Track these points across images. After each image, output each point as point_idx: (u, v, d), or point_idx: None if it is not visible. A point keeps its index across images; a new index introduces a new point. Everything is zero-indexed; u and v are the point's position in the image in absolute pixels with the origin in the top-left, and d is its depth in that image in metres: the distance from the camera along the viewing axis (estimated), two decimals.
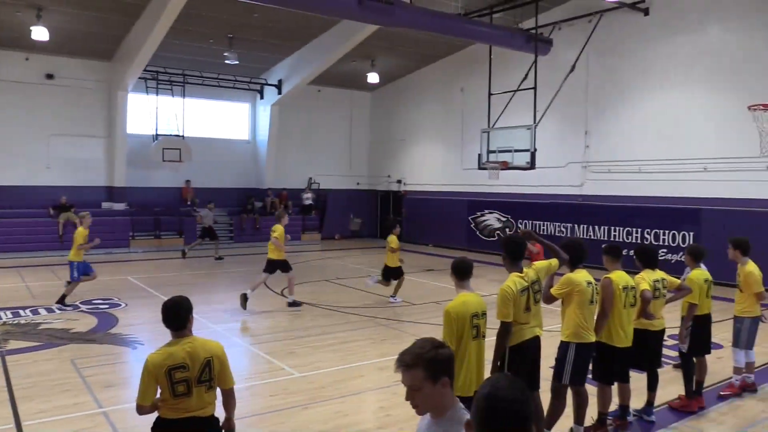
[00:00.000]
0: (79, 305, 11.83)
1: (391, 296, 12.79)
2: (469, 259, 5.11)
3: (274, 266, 12.10)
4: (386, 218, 13.63)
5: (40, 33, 17.04)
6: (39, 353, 8.66)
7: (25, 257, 18.52)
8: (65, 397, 6.89)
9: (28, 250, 19.02)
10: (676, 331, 7.22)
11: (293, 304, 12.07)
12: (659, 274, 6.31)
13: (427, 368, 2.51)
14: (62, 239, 19.68)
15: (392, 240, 12.84)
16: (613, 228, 17.62)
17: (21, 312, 11.23)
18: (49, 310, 11.39)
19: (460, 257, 5.17)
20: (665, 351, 7.04)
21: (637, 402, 6.42)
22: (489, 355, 5.09)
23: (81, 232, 12.06)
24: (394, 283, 12.84)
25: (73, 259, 11.85)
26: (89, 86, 21.34)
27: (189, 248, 19.66)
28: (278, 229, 12.16)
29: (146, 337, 9.66)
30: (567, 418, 5.80)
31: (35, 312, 11.25)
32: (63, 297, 11.76)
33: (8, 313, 11.13)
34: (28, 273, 15.92)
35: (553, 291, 5.69)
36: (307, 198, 25.18)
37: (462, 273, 4.91)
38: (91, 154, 21.63)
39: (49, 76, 20.64)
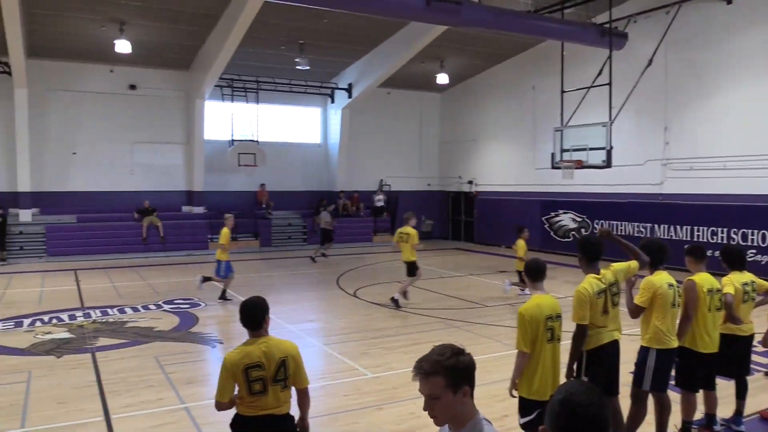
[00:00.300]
0: (163, 305, 12.34)
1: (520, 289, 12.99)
2: (542, 260, 5.00)
3: (412, 268, 12.29)
4: (516, 226, 14.04)
5: (123, 46, 17.91)
6: (126, 350, 9.09)
7: (112, 259, 19.50)
8: (150, 392, 7.19)
9: (114, 252, 20.03)
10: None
11: (394, 301, 12.19)
12: (748, 276, 5.97)
13: (447, 376, 2.37)
14: (146, 241, 20.65)
15: (520, 246, 13.14)
16: (696, 228, 16.83)
17: (109, 311, 11.82)
18: (135, 309, 11.94)
19: (533, 258, 5.07)
20: (756, 357, 6.67)
21: (724, 411, 6.10)
22: (565, 358, 4.97)
23: (225, 233, 12.86)
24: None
25: (220, 258, 12.82)
26: (169, 95, 22.28)
27: (315, 253, 19.91)
28: (412, 232, 12.31)
29: (224, 335, 9.97)
30: (649, 426, 5.58)
31: (122, 311, 11.81)
32: (223, 292, 12.92)
33: (98, 311, 11.74)
34: (115, 274, 16.74)
35: (637, 301, 5.38)
36: (379, 200, 25.34)
37: (535, 274, 4.82)
38: (171, 160, 22.57)
39: (132, 87, 21.68)
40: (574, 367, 5.11)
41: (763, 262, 14.41)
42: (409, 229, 12.31)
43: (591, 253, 5.24)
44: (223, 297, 12.80)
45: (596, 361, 5.09)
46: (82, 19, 17.33)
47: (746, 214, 15.58)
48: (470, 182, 25.73)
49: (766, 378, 7.31)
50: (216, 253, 13.06)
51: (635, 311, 5.39)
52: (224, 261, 12.72)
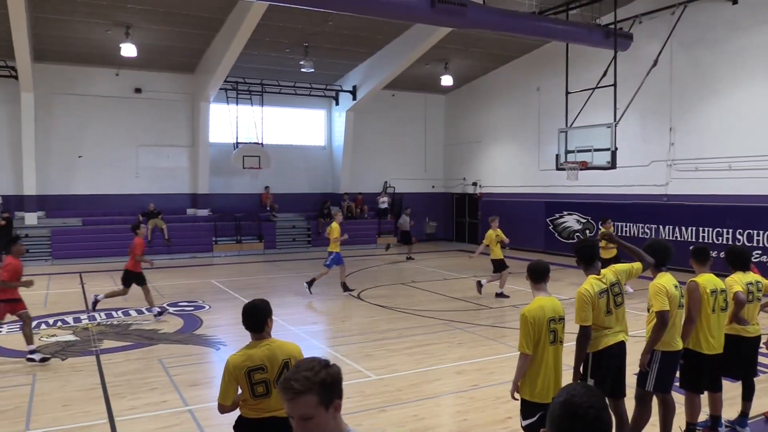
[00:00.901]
0: (167, 308, 12.35)
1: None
2: (544, 261, 4.99)
3: (500, 265, 13.52)
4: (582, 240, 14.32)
5: (128, 50, 17.98)
6: (130, 352, 9.11)
7: (117, 261, 19.51)
8: (154, 394, 7.20)
9: (119, 255, 20.00)
10: None
11: (501, 295, 13.33)
12: (753, 276, 5.94)
13: (319, 393, 2.16)
14: (151, 244, 20.67)
15: (489, 236, 13.71)
16: (701, 229, 16.77)
17: (114, 313, 11.85)
18: (140, 312, 11.96)
19: (536, 260, 5.05)
20: (762, 359, 6.62)
21: (730, 412, 6.07)
22: (568, 360, 4.95)
23: (335, 227, 13.76)
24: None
25: (331, 250, 13.72)
26: (174, 98, 22.34)
27: (408, 254, 20.92)
28: (493, 234, 13.64)
29: (229, 338, 9.98)
30: (653, 427, 5.56)
31: (126, 313, 11.84)
32: (313, 280, 13.80)
33: (102, 314, 11.77)
34: (119, 276, 16.74)
35: (656, 308, 5.15)
36: (383, 202, 25.34)
37: (538, 276, 4.81)
38: (176, 163, 22.64)
39: (137, 90, 21.76)
40: (581, 369, 5.09)
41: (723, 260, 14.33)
42: (498, 232, 13.77)
43: (585, 256, 5.24)
44: (310, 283, 13.74)
45: (602, 363, 5.06)
46: (88, 23, 17.40)
47: (752, 215, 15.51)
48: (474, 184, 25.71)
49: None
50: (329, 246, 13.89)
51: (661, 325, 5.14)
52: (335, 252, 13.65)
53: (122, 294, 11.69)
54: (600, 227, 19.31)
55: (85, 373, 8.03)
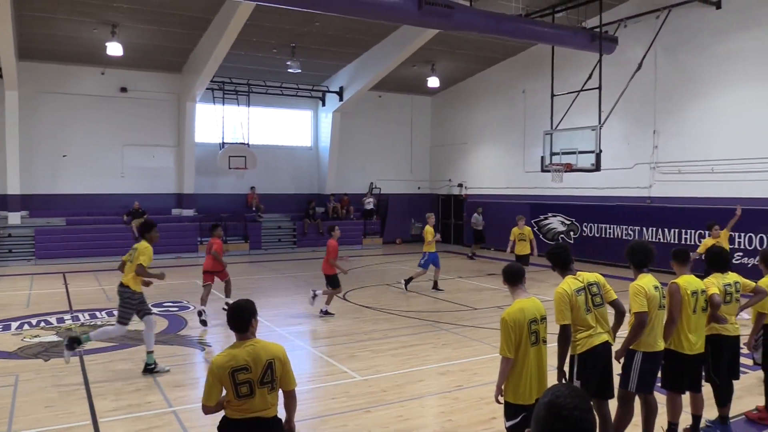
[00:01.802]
0: (151, 308, 12.27)
1: None
2: (517, 263, 5.02)
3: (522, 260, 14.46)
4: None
5: (114, 48, 17.84)
6: (114, 353, 9.06)
7: (100, 261, 19.40)
8: (138, 395, 7.17)
9: (104, 255, 19.92)
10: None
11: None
12: (732, 277, 6.01)
13: None
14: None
15: (428, 231, 14.35)
16: (683, 231, 16.95)
17: (97, 314, 11.77)
18: None
19: (510, 263, 5.08)
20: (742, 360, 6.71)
21: (711, 412, 6.15)
22: (552, 361, 4.99)
23: (429, 230, 14.50)
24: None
25: (426, 250, 14.30)
26: (160, 98, 22.22)
27: (471, 251, 21.51)
28: (517, 231, 15.34)
29: (213, 339, 9.95)
30: (635, 428, 5.63)
31: (110, 314, 11.74)
32: (410, 279, 14.45)
33: (86, 314, 11.69)
34: (103, 277, 16.65)
35: (635, 309, 5.23)
36: (369, 203, 25.36)
37: (513, 278, 4.81)
38: (161, 163, 22.52)
39: (123, 90, 21.62)
40: (566, 369, 5.13)
41: (749, 265, 14.53)
42: (526, 229, 15.45)
43: (560, 261, 5.32)
44: (407, 282, 14.39)
45: (587, 364, 5.10)
46: (74, 21, 17.26)
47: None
48: (460, 185, 25.80)
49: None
50: (424, 247, 14.50)
51: (640, 324, 5.24)
52: (430, 252, 14.20)
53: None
54: (584, 229, 19.47)
55: (68, 374, 7.97)
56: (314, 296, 11.88)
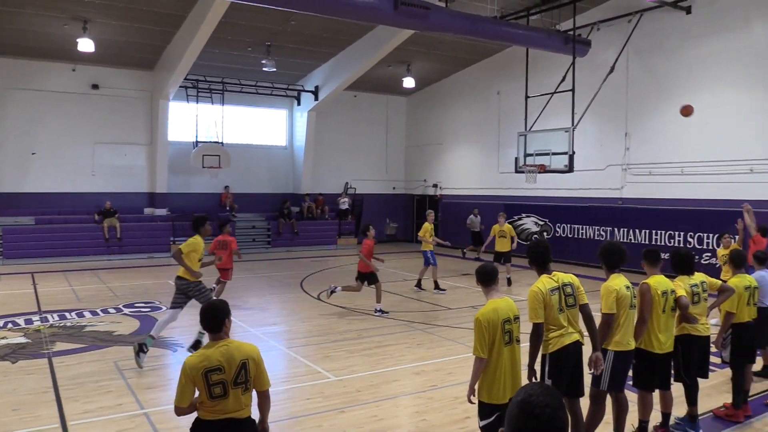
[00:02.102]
0: (123, 308, 12.12)
1: None
2: (491, 264, 5.06)
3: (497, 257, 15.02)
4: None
5: (86, 45, 17.55)
6: (84, 355, 8.90)
7: (71, 262, 19.07)
8: (109, 398, 7.06)
9: (74, 255, 19.59)
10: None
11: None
12: (697, 278, 6.11)
13: None
14: (108, 242, 20.27)
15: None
16: (654, 232, 17.24)
17: (67, 315, 11.56)
18: (94, 313, 11.70)
19: (483, 263, 5.11)
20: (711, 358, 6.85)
21: (680, 410, 6.26)
22: (525, 360, 5.03)
23: (426, 227, 14.59)
24: None
25: (424, 249, 14.48)
26: (132, 95, 21.92)
27: (477, 253, 21.18)
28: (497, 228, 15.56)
29: (186, 339, 9.82)
30: (607, 425, 5.70)
31: (80, 315, 11.57)
32: (435, 282, 14.66)
33: (55, 315, 11.47)
34: (73, 277, 16.38)
35: (604, 309, 5.37)
36: (344, 202, 25.32)
37: (486, 279, 4.83)
38: (133, 161, 22.20)
39: (95, 87, 21.27)
40: (537, 368, 5.17)
41: (717, 266, 14.80)
42: (507, 226, 15.62)
43: (539, 259, 5.35)
44: (437, 287, 14.53)
45: (559, 363, 5.15)
46: (44, 16, 16.93)
47: (702, 219, 16.03)
48: (435, 185, 25.90)
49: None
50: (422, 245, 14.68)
51: (606, 323, 5.36)
52: (429, 251, 14.32)
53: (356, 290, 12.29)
54: (557, 229, 19.67)
55: (37, 376, 7.82)
56: (332, 292, 12.33)
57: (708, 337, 6.13)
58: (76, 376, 7.86)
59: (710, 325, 6.24)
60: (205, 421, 3.96)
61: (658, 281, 5.73)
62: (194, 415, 4.02)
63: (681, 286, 5.88)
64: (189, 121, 22.70)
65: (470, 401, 4.79)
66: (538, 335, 5.06)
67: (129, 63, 21.28)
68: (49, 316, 11.39)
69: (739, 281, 6.62)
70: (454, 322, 11.11)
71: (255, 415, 4.12)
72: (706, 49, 16.12)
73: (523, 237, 20.89)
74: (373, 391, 7.34)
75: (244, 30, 18.54)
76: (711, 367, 6.42)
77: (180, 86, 21.10)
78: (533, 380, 5.13)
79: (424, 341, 9.81)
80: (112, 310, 11.97)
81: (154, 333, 8.45)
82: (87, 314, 11.63)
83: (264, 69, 20.53)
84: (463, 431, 6.12)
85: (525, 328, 4.91)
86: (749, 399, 6.76)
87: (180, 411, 3.99)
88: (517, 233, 21.37)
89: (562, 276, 5.29)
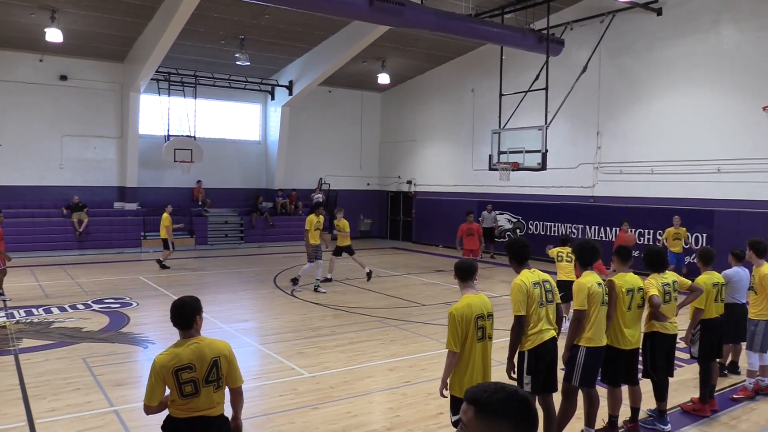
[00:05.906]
0: (92, 304, 11.90)
1: None
2: (470, 259, 5.08)
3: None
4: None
5: (54, 35, 17.16)
6: (51, 352, 8.72)
7: (38, 256, 18.68)
8: (77, 395, 6.93)
9: (41, 250, 19.18)
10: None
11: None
12: (670, 276, 6.22)
13: None
14: (80, 236, 19.87)
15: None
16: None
17: (34, 311, 11.32)
18: (62, 309, 11.48)
19: (462, 258, 5.14)
20: (677, 353, 6.97)
21: (649, 404, 6.36)
22: (498, 356, 5.06)
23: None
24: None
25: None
26: (102, 87, 21.51)
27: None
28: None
29: (157, 336, 9.71)
30: (578, 420, 5.77)
31: (48, 311, 11.34)
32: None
33: (22, 311, 11.23)
34: (41, 272, 16.05)
35: (576, 306, 5.50)
36: (317, 198, 25.19)
37: (465, 274, 4.87)
38: (103, 155, 21.81)
39: (63, 78, 20.82)
40: (515, 361, 5.21)
41: (686, 263, 15.10)
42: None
43: (519, 255, 5.38)
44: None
45: (538, 358, 5.21)
46: (10, 4, 16.48)
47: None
48: (409, 182, 25.93)
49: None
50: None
51: (578, 319, 5.48)
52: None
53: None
54: (530, 227, 19.86)
55: (2, 373, 7.64)
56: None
57: (675, 336, 6.25)
58: (43, 373, 7.70)
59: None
60: (177, 419, 3.90)
61: (623, 279, 5.80)
62: (166, 412, 3.96)
63: (654, 284, 5.97)
64: (161, 114, 22.36)
65: (442, 395, 4.82)
66: (520, 327, 5.11)
67: (99, 54, 20.87)
68: (15, 312, 11.14)
69: (707, 278, 6.75)
70: (428, 319, 11.14)
71: (228, 412, 4.08)
72: (676, 50, 16.39)
73: (496, 234, 21.03)
74: (346, 388, 7.32)
75: (218, 23, 18.32)
76: (679, 363, 6.54)
77: (151, 79, 20.75)
78: (512, 374, 5.18)
79: (398, 337, 9.83)
80: (80, 306, 11.75)
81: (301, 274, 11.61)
82: (55, 310, 11.40)
83: (237, 63, 20.32)
84: (437, 426, 6.14)
85: (499, 325, 4.93)
86: (716, 394, 6.90)
87: (149, 410, 3.93)
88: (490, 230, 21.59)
89: (541, 274, 5.34)
